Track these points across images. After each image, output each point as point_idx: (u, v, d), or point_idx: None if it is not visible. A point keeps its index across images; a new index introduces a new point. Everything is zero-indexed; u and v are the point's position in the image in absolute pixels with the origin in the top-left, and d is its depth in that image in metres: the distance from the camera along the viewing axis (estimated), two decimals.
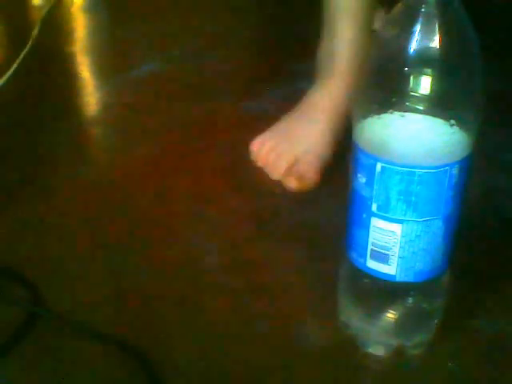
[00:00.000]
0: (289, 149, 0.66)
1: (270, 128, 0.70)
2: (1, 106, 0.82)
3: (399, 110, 0.40)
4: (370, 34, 0.67)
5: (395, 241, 0.42)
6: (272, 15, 1.16)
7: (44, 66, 0.94)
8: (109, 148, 0.76)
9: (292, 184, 0.65)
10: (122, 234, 0.60)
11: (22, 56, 0.93)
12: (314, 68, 0.72)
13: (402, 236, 0.42)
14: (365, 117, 0.42)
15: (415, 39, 0.39)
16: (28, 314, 0.50)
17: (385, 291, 0.45)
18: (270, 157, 0.67)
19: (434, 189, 0.41)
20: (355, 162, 0.43)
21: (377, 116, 0.41)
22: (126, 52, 1.01)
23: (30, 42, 0.98)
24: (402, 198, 0.41)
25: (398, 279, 0.44)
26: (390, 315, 0.46)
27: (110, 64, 0.99)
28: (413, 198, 0.41)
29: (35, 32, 1.02)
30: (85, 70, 1.01)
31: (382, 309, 0.46)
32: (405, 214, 0.42)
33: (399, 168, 0.40)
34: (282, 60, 0.95)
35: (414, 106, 0.40)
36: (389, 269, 0.43)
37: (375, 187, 0.42)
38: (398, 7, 0.40)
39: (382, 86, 0.41)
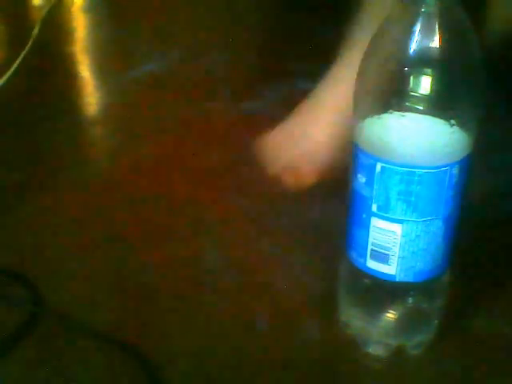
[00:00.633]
0: (290, 146, 0.66)
1: (275, 128, 0.70)
2: (1, 106, 0.82)
3: (399, 110, 0.40)
4: None
5: (395, 241, 0.42)
6: (272, 15, 1.16)
7: (44, 66, 0.94)
8: (109, 148, 0.76)
9: (289, 180, 0.64)
10: (121, 234, 0.60)
11: (21, 56, 0.93)
12: (314, 68, 0.72)
13: (402, 236, 0.42)
14: (364, 117, 0.42)
15: (415, 39, 0.39)
16: (28, 313, 0.50)
17: (385, 291, 0.45)
18: (271, 153, 0.67)
19: (434, 189, 0.41)
20: (355, 162, 0.43)
21: (377, 116, 0.41)
22: (126, 52, 1.01)
23: (30, 42, 0.98)
24: (401, 198, 0.41)
25: (398, 279, 0.44)
26: (390, 315, 0.46)
27: (110, 64, 0.99)
28: (413, 198, 0.41)
29: (35, 32, 1.02)
30: (85, 69, 1.01)
31: (382, 309, 0.46)
32: (405, 214, 0.42)
33: (399, 168, 0.40)
34: (282, 60, 0.95)
35: (413, 105, 0.40)
36: (389, 269, 0.43)
37: (375, 187, 0.42)
38: (398, 7, 0.40)
39: (382, 86, 0.41)
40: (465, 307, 0.50)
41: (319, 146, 0.66)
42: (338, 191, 0.48)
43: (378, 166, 0.41)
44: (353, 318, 0.48)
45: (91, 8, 1.25)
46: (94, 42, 1.12)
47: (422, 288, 0.45)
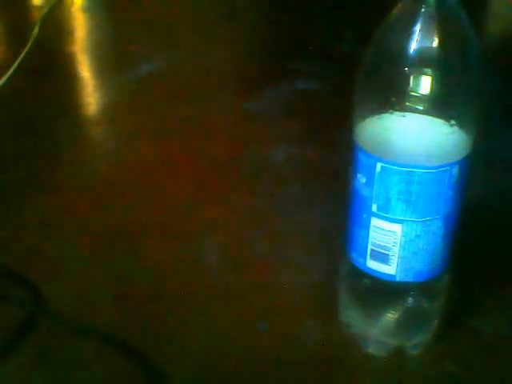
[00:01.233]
0: None
1: None
2: (1, 106, 0.82)
3: (399, 110, 0.40)
4: None
5: (395, 241, 0.42)
6: (272, 15, 1.16)
7: (44, 66, 0.94)
8: (109, 148, 0.76)
9: None
10: (121, 234, 0.60)
11: (21, 56, 0.93)
12: (314, 68, 0.72)
13: (402, 236, 0.42)
14: (365, 117, 0.42)
15: (415, 39, 0.39)
16: (28, 313, 0.50)
17: (385, 291, 0.45)
18: None
19: (434, 189, 0.41)
20: (355, 162, 0.43)
21: (377, 116, 0.41)
22: (125, 52, 1.01)
23: (29, 42, 0.98)
24: (401, 197, 0.41)
25: (398, 279, 0.44)
26: (390, 315, 0.46)
27: (110, 64, 0.99)
28: (413, 198, 0.41)
29: (35, 32, 1.02)
30: (85, 69, 1.01)
31: (382, 309, 0.46)
32: (405, 214, 0.42)
33: (399, 168, 0.40)
34: (282, 60, 0.95)
35: (414, 105, 0.40)
36: (389, 269, 0.43)
37: (375, 187, 0.42)
38: (398, 7, 0.40)
39: (382, 86, 0.41)
40: (465, 307, 0.50)
41: None
42: (337, 191, 0.48)
43: (378, 166, 0.41)
44: (353, 318, 0.48)
45: (91, 8, 1.25)
46: (93, 42, 1.12)
47: (421, 288, 0.45)
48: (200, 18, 1.13)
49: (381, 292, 0.45)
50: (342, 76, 0.63)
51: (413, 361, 0.47)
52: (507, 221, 0.61)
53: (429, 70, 0.39)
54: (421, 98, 0.39)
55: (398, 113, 0.40)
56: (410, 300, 0.45)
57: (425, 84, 0.39)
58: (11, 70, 0.89)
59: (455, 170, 0.41)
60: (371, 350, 0.47)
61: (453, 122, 0.40)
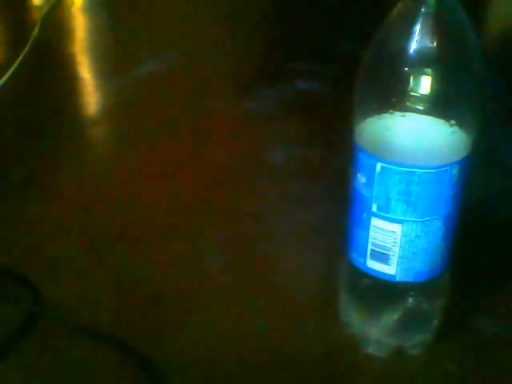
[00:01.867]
0: None
1: None
2: (1, 106, 0.82)
3: (399, 110, 0.40)
4: None
5: (395, 241, 0.42)
6: (272, 15, 1.16)
7: (44, 66, 0.94)
8: (109, 148, 0.76)
9: None
10: (121, 234, 0.60)
11: (21, 56, 0.93)
12: (314, 68, 0.72)
13: (402, 236, 0.42)
14: (365, 117, 0.42)
15: (415, 39, 0.39)
16: (28, 313, 0.50)
17: (385, 291, 0.45)
18: None
19: (434, 189, 0.41)
20: (355, 162, 0.43)
21: (377, 116, 0.41)
22: (126, 52, 1.01)
23: (29, 42, 0.98)
24: (401, 198, 0.41)
25: (398, 279, 0.44)
26: (390, 315, 0.46)
27: (110, 64, 0.99)
28: (413, 198, 0.41)
29: (35, 32, 1.02)
30: (85, 70, 1.01)
31: (382, 309, 0.46)
32: (405, 214, 0.42)
33: (399, 168, 0.40)
34: (282, 60, 0.95)
35: (414, 105, 0.40)
36: (389, 269, 0.43)
37: (375, 187, 0.42)
38: (398, 7, 0.40)
39: (382, 86, 0.41)
40: (465, 307, 0.50)
41: None
42: (337, 191, 0.48)
43: (378, 166, 0.41)
44: (353, 318, 0.48)
45: (91, 8, 1.25)
46: (93, 43, 1.12)
47: (421, 288, 0.45)
48: (200, 18, 1.13)
49: (381, 292, 0.45)
50: (342, 76, 0.63)
51: (413, 361, 0.47)
52: (507, 221, 0.61)
53: (429, 70, 0.39)
54: (421, 98, 0.39)
55: (398, 113, 0.40)
56: (410, 300, 0.45)
57: (425, 84, 0.39)
58: (11, 70, 0.89)
59: (455, 170, 0.41)
60: (371, 350, 0.47)
61: (453, 122, 0.40)
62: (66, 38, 1.10)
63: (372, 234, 0.43)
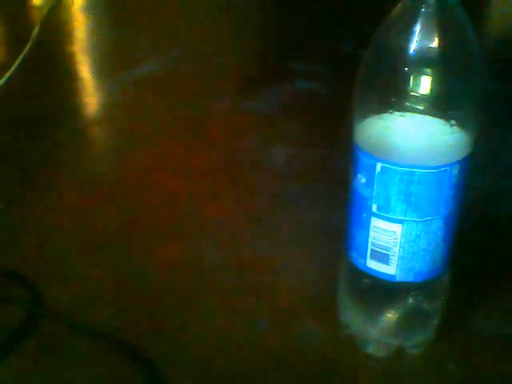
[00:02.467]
0: None
1: None
2: (1, 106, 0.82)
3: (399, 110, 0.40)
4: None
5: (395, 241, 0.42)
6: (272, 15, 1.16)
7: (44, 66, 0.94)
8: (109, 148, 0.76)
9: None
10: (121, 234, 0.60)
11: (22, 56, 0.93)
12: (314, 68, 0.72)
13: (402, 236, 0.42)
14: (365, 117, 0.42)
15: (415, 39, 0.39)
16: (28, 313, 0.50)
17: (385, 291, 0.45)
18: None
19: (434, 189, 0.41)
20: (355, 162, 0.43)
21: (377, 116, 0.41)
22: (126, 52, 1.01)
23: (29, 42, 0.98)
24: (401, 198, 0.41)
25: (398, 279, 0.44)
26: (390, 315, 0.46)
27: (110, 64, 0.99)
28: (413, 198, 0.41)
29: (35, 32, 1.02)
30: (85, 70, 1.01)
31: (382, 309, 0.46)
32: (405, 214, 0.42)
33: (399, 168, 0.40)
34: (282, 60, 0.95)
35: (413, 106, 0.40)
36: (389, 269, 0.43)
37: (375, 187, 0.42)
38: (398, 7, 0.40)
39: (382, 86, 0.41)
40: (465, 307, 0.50)
41: None
42: (337, 191, 0.48)
43: (378, 166, 0.41)
44: (353, 318, 0.48)
45: (91, 8, 1.25)
46: (93, 43, 1.12)
47: (422, 288, 0.45)
48: (200, 18, 1.13)
49: (381, 292, 0.45)
50: (342, 76, 0.63)
51: (413, 361, 0.47)
52: (507, 221, 0.61)
53: (429, 70, 0.39)
54: (421, 98, 0.39)
55: (397, 113, 0.40)
56: (410, 300, 0.45)
57: (425, 84, 0.39)
58: (11, 70, 0.89)
59: (455, 170, 0.41)
60: (371, 350, 0.47)
61: (453, 121, 0.40)
62: (65, 38, 1.10)
63: (372, 234, 0.43)
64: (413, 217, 0.42)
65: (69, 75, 0.95)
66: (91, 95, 0.92)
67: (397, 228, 0.42)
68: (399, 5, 0.40)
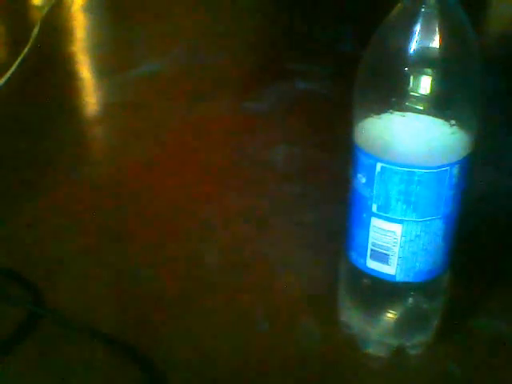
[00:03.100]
0: None
1: None
2: (1, 106, 0.82)
3: (399, 110, 0.40)
4: None
5: (395, 241, 0.42)
6: (272, 15, 1.16)
7: (44, 66, 0.94)
8: (109, 148, 0.76)
9: None
10: (121, 234, 0.60)
11: (22, 56, 0.93)
12: (313, 68, 0.72)
13: (402, 236, 0.42)
14: (365, 117, 0.42)
15: (415, 39, 0.39)
16: (28, 313, 0.50)
17: (385, 291, 0.45)
18: None
19: (434, 189, 0.41)
20: (355, 162, 0.43)
21: (377, 116, 0.41)
22: (126, 52, 1.01)
23: (29, 42, 0.98)
24: (401, 198, 0.41)
25: (397, 279, 0.44)
26: (390, 315, 0.46)
27: (110, 64, 0.99)
28: (413, 198, 0.41)
29: (35, 32, 1.02)
30: (85, 70, 1.01)
31: (382, 309, 0.46)
32: (405, 214, 0.42)
33: (399, 168, 0.40)
34: (282, 60, 0.95)
35: (413, 105, 0.40)
36: (389, 269, 0.43)
37: (375, 187, 0.42)
38: (398, 7, 0.40)
39: (382, 86, 0.41)
40: (465, 307, 0.50)
41: None
42: (337, 191, 0.48)
43: (378, 166, 0.41)
44: (353, 318, 0.48)
45: (91, 8, 1.25)
46: (93, 42, 1.12)
47: (422, 288, 0.45)
48: (200, 18, 1.13)
49: (381, 292, 0.45)
50: (342, 76, 0.63)
51: (413, 361, 0.47)
52: (507, 221, 0.61)
53: (429, 70, 0.39)
54: (421, 98, 0.39)
55: (397, 113, 0.40)
56: (410, 300, 0.45)
57: (425, 84, 0.39)
58: (11, 70, 0.89)
59: (455, 170, 0.41)
60: (371, 350, 0.47)
61: (453, 122, 0.40)
62: (66, 38, 1.10)
63: (372, 234, 0.43)
64: (413, 217, 0.42)
65: (69, 75, 0.95)
66: (91, 95, 0.92)
67: (397, 228, 0.42)
68: (399, 5, 0.40)
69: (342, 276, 0.48)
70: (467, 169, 0.42)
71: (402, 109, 0.40)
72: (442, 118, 0.40)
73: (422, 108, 0.40)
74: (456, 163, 0.41)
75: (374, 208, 0.42)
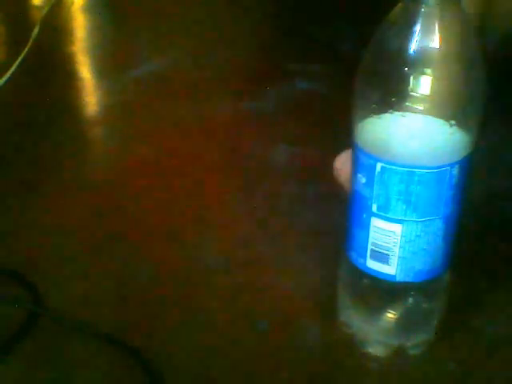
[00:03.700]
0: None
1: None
2: (1, 106, 0.82)
3: (399, 110, 0.40)
4: None
5: (395, 241, 0.42)
6: (272, 15, 1.16)
7: (44, 66, 0.94)
8: (109, 148, 0.76)
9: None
10: (121, 234, 0.60)
11: (22, 56, 0.93)
12: (314, 68, 0.72)
13: (402, 236, 0.42)
14: (365, 117, 0.42)
15: (415, 39, 0.39)
16: (28, 313, 0.50)
17: (385, 291, 0.45)
18: (338, 169, 0.65)
19: (434, 189, 0.41)
20: (355, 162, 0.43)
21: (377, 116, 0.41)
22: (126, 52, 1.01)
23: (29, 42, 0.98)
24: (401, 198, 0.41)
25: (397, 279, 0.44)
26: (390, 315, 0.46)
27: (110, 64, 0.99)
28: (413, 198, 0.41)
29: (35, 32, 1.02)
30: (85, 70, 1.01)
31: (382, 309, 0.46)
32: (405, 214, 0.42)
33: (399, 168, 0.40)
34: (282, 60, 0.95)
35: (413, 106, 0.40)
36: (389, 269, 0.43)
37: (375, 187, 0.42)
38: (398, 7, 0.40)
39: (382, 86, 0.41)
40: (465, 307, 0.50)
41: None
42: (337, 191, 0.48)
43: (378, 166, 0.41)
44: (353, 318, 0.48)
45: (91, 8, 1.25)
46: (93, 42, 1.12)
47: (421, 288, 0.45)
48: (200, 18, 1.13)
49: (381, 292, 0.45)
50: (342, 76, 0.63)
51: (413, 361, 0.47)
52: (507, 221, 0.61)
53: (429, 70, 0.39)
54: (421, 98, 0.39)
55: (397, 113, 0.40)
56: (410, 300, 0.45)
57: (425, 84, 0.39)
58: (11, 70, 0.89)
59: (455, 170, 0.41)
60: (371, 349, 0.47)
61: (453, 122, 0.40)
62: (66, 38, 1.10)
63: (372, 234, 0.43)
64: (413, 217, 0.42)
65: (69, 75, 0.95)
66: (92, 95, 0.92)
67: (397, 228, 0.42)
68: (399, 5, 0.40)
69: (341, 276, 0.48)
70: (467, 169, 0.42)
71: (402, 109, 0.40)
72: (441, 118, 0.40)
73: (421, 108, 0.40)
74: (456, 163, 0.41)
75: (374, 208, 0.42)
